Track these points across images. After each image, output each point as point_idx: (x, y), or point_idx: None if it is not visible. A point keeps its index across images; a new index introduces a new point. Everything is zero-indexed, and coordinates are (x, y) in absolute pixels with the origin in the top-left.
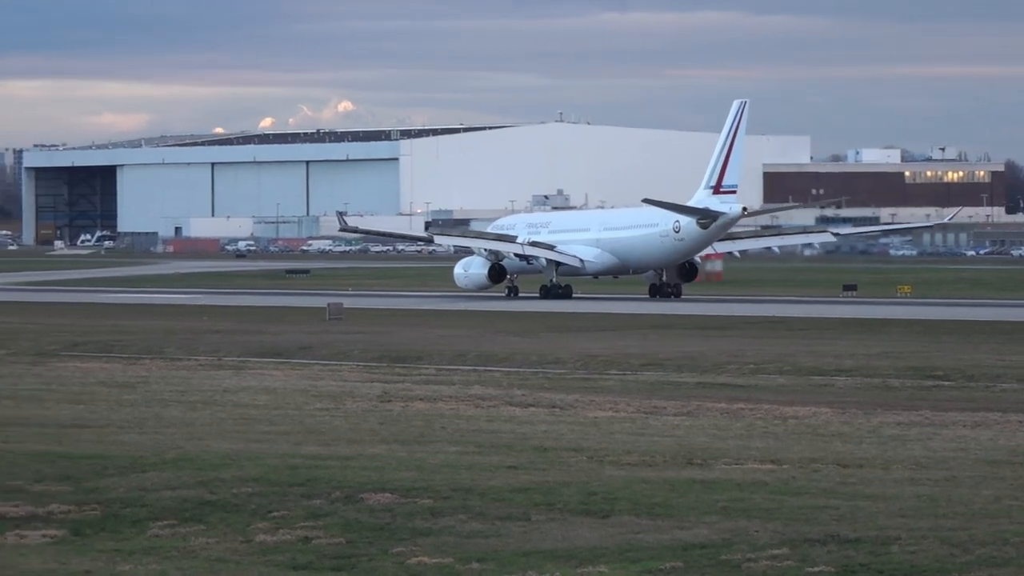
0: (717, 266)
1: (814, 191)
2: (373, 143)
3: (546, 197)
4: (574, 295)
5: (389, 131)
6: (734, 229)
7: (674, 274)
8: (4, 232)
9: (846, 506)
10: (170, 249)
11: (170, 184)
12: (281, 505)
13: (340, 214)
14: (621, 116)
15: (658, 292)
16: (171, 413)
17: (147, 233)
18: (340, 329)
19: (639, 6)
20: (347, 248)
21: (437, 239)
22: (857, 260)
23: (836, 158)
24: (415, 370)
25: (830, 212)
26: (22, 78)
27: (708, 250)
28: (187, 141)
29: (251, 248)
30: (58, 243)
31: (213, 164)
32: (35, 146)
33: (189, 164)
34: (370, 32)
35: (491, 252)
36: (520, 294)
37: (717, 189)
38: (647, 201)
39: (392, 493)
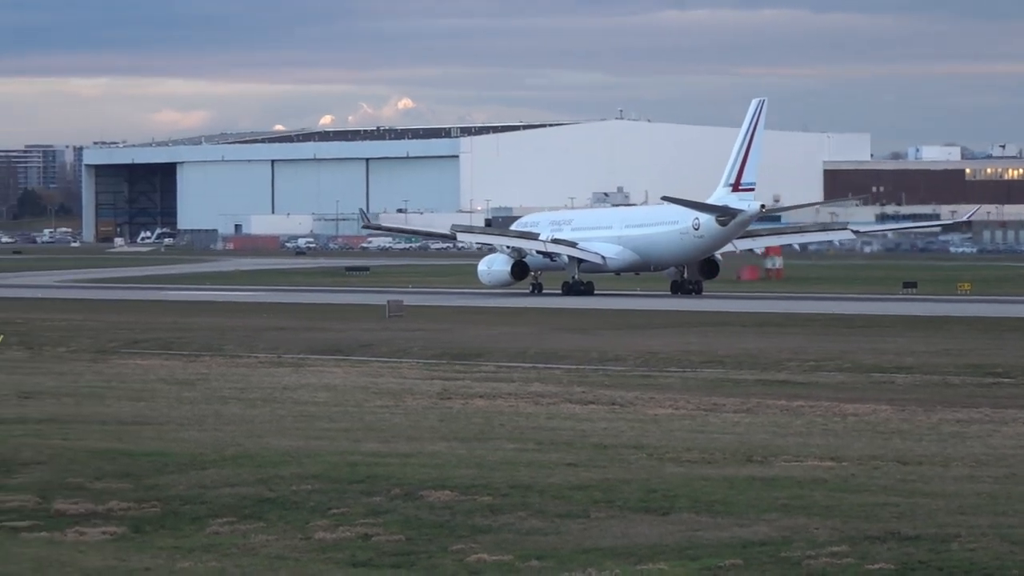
0: (778, 263)
1: (874, 188)
2: (433, 140)
3: (606, 194)
4: (595, 292)
5: (449, 128)
6: (755, 226)
7: (695, 271)
8: (64, 229)
9: (906, 503)
10: (230, 247)
11: (230, 181)
12: (341, 502)
13: (362, 211)
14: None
15: (679, 289)
16: (231, 410)
17: (207, 230)
18: (400, 326)
19: (700, 3)
20: (407, 245)
21: (460, 236)
22: (917, 257)
23: (896, 155)
24: (475, 367)
25: (890, 209)
26: (83, 76)
27: (736, 247)
28: (247, 138)
29: (311, 245)
30: (118, 240)
31: (273, 161)
32: (95, 144)
33: (249, 161)
34: (431, 30)
35: (514, 249)
36: (544, 291)
37: (736, 187)
38: (666, 199)
39: (452, 490)
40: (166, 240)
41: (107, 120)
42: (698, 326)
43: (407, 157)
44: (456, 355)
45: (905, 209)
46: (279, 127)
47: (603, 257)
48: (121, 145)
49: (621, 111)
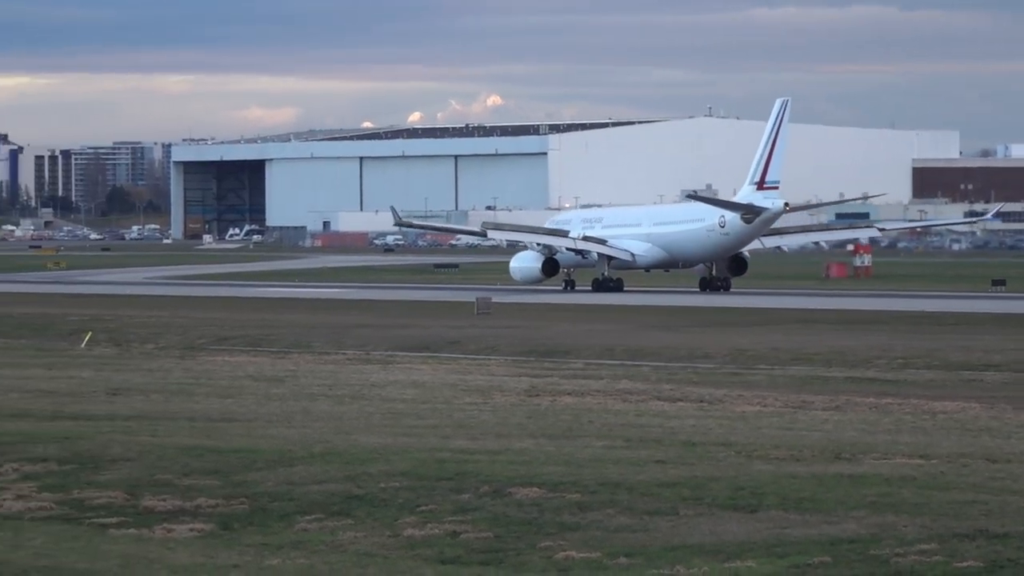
0: (866, 260)
1: (963, 186)
2: (522, 137)
3: (695, 191)
4: (625, 289)
5: (538, 125)
6: (780, 224)
7: (724, 268)
8: (152, 226)
9: (995, 501)
10: (318, 243)
11: (318, 178)
12: (429, 499)
13: (393, 209)
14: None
15: (708, 285)
16: (319, 407)
17: (295, 227)
18: (488, 323)
19: (789, 1)
20: (495, 243)
21: (491, 233)
22: (1006, 255)
23: (985, 153)
24: (563, 364)
25: (979, 207)
26: (171, 73)
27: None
28: (336, 135)
29: (399, 242)
30: (207, 237)
31: (361, 159)
32: (184, 141)
33: (338, 158)
34: (520, 27)
35: (544, 246)
36: (576, 287)
37: (761, 185)
38: (692, 197)
39: (540, 487)
40: (255, 237)
41: (195, 117)
42: (785, 323)
43: (496, 154)
44: (544, 352)
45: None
46: (367, 124)
47: (632, 254)
48: (210, 142)
49: (710, 108)
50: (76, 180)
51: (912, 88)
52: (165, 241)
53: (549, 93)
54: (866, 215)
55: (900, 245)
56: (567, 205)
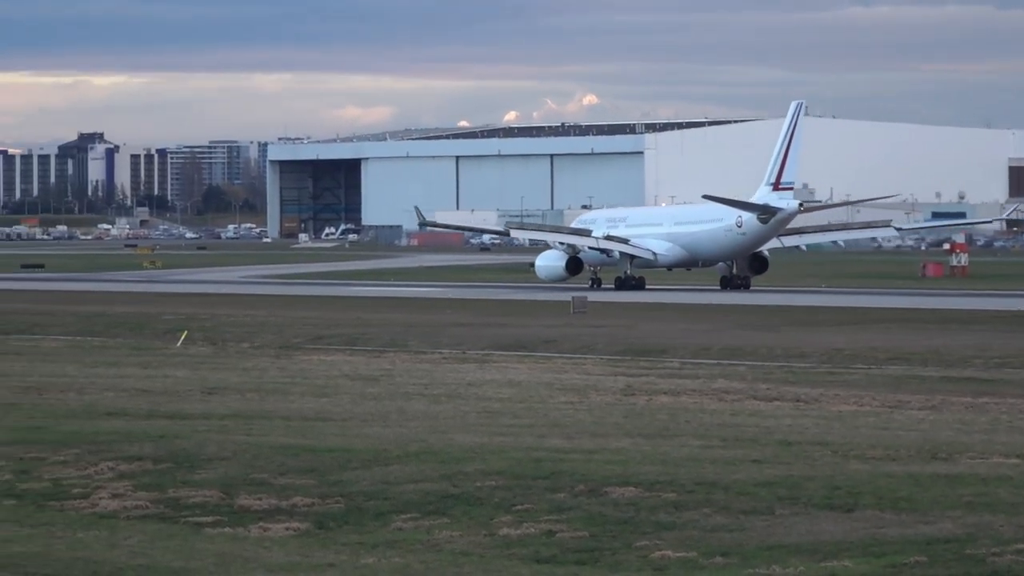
0: (963, 259)
1: None
2: (618, 137)
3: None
4: (647, 287)
5: (634, 125)
6: (798, 224)
7: (745, 267)
8: (248, 225)
9: None
10: (414, 242)
11: (414, 177)
12: (525, 499)
13: (417, 209)
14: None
15: (729, 284)
16: (414, 406)
17: (391, 226)
18: (584, 322)
19: (884, 0)
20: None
21: (513, 233)
22: None
23: None
24: (659, 363)
25: None
26: (267, 71)
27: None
28: (432, 134)
29: (495, 241)
30: (302, 236)
31: (457, 158)
32: (280, 139)
33: (434, 157)
34: (616, 25)
35: (568, 246)
36: (602, 285)
37: (776, 186)
38: (708, 197)
39: (636, 487)
40: (350, 236)
41: (290, 116)
42: (881, 322)
43: (591, 153)
44: (640, 351)
45: None
46: (463, 123)
47: (654, 253)
48: (305, 141)
49: (806, 107)
50: (172, 179)
51: (1008, 87)
52: (265, 240)
53: (644, 92)
54: (963, 214)
55: (997, 244)
56: (663, 204)
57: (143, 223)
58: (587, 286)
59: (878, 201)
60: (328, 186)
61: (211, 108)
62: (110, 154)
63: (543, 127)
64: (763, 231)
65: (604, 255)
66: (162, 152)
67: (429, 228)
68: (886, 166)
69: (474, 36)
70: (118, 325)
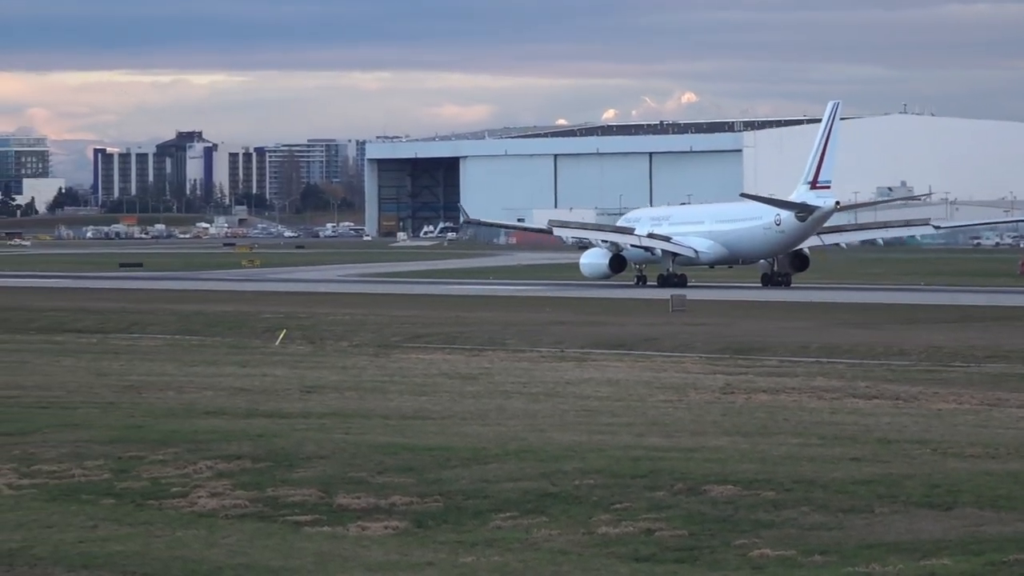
0: None
1: None
2: (716, 135)
3: (889, 189)
4: (689, 284)
5: (732, 122)
6: (836, 221)
7: (786, 264)
8: (347, 224)
9: None
10: (512, 240)
11: (513, 175)
12: (623, 497)
13: (461, 207)
14: (965, 107)
15: (770, 281)
16: (513, 404)
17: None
18: (683, 320)
19: None
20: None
21: (556, 231)
22: None
23: None
24: (758, 362)
25: None
26: (366, 70)
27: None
28: (530, 133)
29: (587, 242)
30: (401, 235)
31: (556, 156)
32: (378, 138)
33: (532, 156)
34: (714, 23)
35: (611, 244)
36: (647, 283)
37: (814, 184)
38: (744, 195)
39: (735, 485)
40: (449, 234)
41: (388, 114)
42: (981, 320)
43: (690, 151)
44: (739, 349)
45: None
46: (561, 121)
47: (695, 251)
48: (404, 139)
49: (905, 105)
50: (270, 177)
51: None
52: (365, 238)
53: (743, 90)
54: None
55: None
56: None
57: (241, 222)
58: (632, 283)
59: (974, 199)
60: (426, 184)
61: (309, 106)
62: (208, 152)
63: (641, 125)
64: (801, 229)
65: (647, 253)
66: (260, 151)
67: (473, 224)
68: (986, 164)
69: (573, 33)
70: (217, 324)
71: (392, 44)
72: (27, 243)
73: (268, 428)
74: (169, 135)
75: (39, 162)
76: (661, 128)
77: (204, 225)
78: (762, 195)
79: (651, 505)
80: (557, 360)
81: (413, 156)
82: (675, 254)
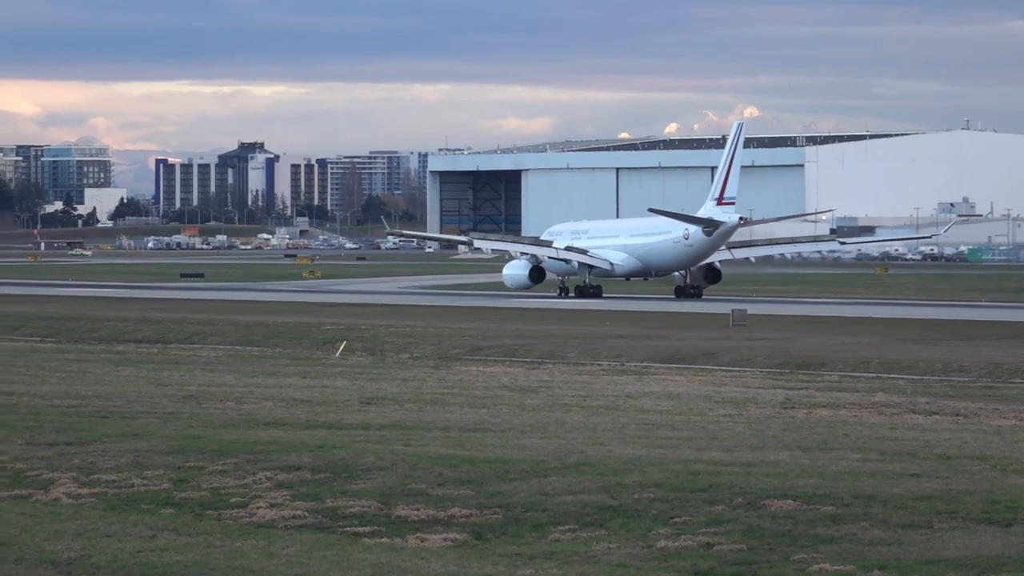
0: None
1: None
2: (778, 149)
3: (951, 205)
4: (604, 295)
5: (794, 137)
6: (742, 237)
7: (699, 277)
8: None
9: None
10: None
11: (574, 188)
12: (683, 511)
13: (383, 218)
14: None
15: (683, 293)
16: (573, 418)
17: None
18: (743, 335)
19: None
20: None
21: (476, 243)
22: None
23: None
24: (818, 377)
25: None
26: (428, 82)
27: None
28: (592, 146)
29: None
30: (462, 248)
31: (618, 169)
32: (440, 150)
33: (594, 169)
34: (778, 38)
35: (532, 255)
36: (568, 294)
37: (720, 200)
38: (652, 211)
39: (794, 500)
40: None
41: (449, 126)
42: None
43: (752, 166)
44: (799, 364)
45: None
46: (623, 135)
47: (611, 263)
48: (465, 151)
49: (967, 121)
50: (332, 189)
51: None
52: (428, 249)
53: (805, 105)
54: None
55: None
56: (823, 218)
57: (303, 233)
58: (555, 294)
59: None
60: (488, 196)
61: (371, 118)
62: (270, 163)
63: (704, 139)
64: (708, 243)
65: (566, 264)
66: (322, 162)
67: (395, 236)
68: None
69: (635, 48)
70: (277, 335)
71: (455, 57)
72: (88, 253)
73: (328, 439)
74: (230, 146)
75: (101, 172)
76: (723, 142)
77: (265, 236)
78: (671, 210)
79: (710, 519)
80: (617, 373)
81: (475, 169)
82: (591, 266)
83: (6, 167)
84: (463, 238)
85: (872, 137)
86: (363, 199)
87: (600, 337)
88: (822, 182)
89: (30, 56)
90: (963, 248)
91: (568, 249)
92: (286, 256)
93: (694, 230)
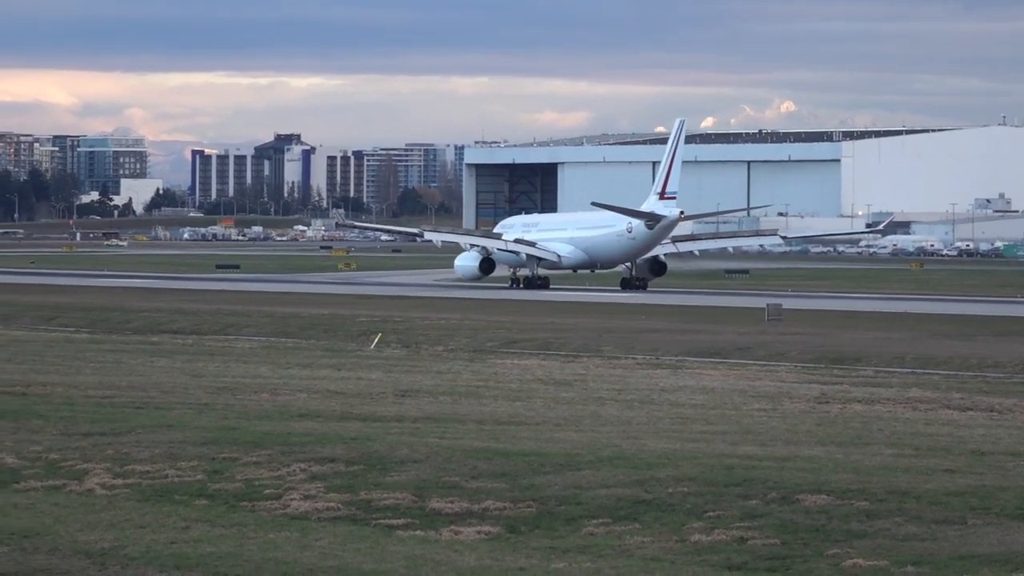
0: None
1: None
2: (815, 144)
3: (988, 201)
4: (551, 287)
5: (831, 132)
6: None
7: (644, 269)
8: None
9: None
10: None
11: (611, 182)
12: (716, 505)
13: (339, 212)
14: None
15: (628, 285)
16: (608, 411)
17: None
18: (778, 330)
19: None
20: (787, 248)
21: (428, 235)
22: None
23: None
24: (853, 372)
25: None
26: (465, 75)
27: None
28: (628, 140)
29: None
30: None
31: (654, 163)
32: (476, 143)
33: (630, 163)
34: (815, 33)
35: (482, 247)
36: (520, 285)
37: (662, 195)
38: (595, 204)
39: (828, 495)
40: None
41: (486, 119)
42: None
43: (788, 160)
44: (834, 359)
45: None
46: (660, 128)
47: (558, 256)
48: (502, 144)
49: (1004, 117)
50: (368, 181)
51: None
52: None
53: (842, 100)
54: None
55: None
56: (859, 213)
57: (338, 225)
58: (507, 285)
59: None
60: (524, 190)
61: (408, 110)
62: (306, 155)
63: (740, 133)
64: (650, 236)
65: (515, 256)
66: (358, 154)
67: (347, 228)
68: None
69: (672, 42)
70: (312, 327)
71: (491, 50)
72: (124, 243)
73: (362, 431)
74: (266, 137)
75: (137, 163)
76: (759, 137)
77: (301, 228)
78: (615, 205)
79: (744, 513)
80: (652, 367)
81: (511, 162)
82: (539, 258)
83: (43, 157)
84: (414, 230)
85: (908, 132)
86: (399, 191)
87: (635, 331)
88: (858, 177)
89: (67, 47)
90: (999, 244)
91: (517, 241)
92: (322, 248)
93: (637, 224)
